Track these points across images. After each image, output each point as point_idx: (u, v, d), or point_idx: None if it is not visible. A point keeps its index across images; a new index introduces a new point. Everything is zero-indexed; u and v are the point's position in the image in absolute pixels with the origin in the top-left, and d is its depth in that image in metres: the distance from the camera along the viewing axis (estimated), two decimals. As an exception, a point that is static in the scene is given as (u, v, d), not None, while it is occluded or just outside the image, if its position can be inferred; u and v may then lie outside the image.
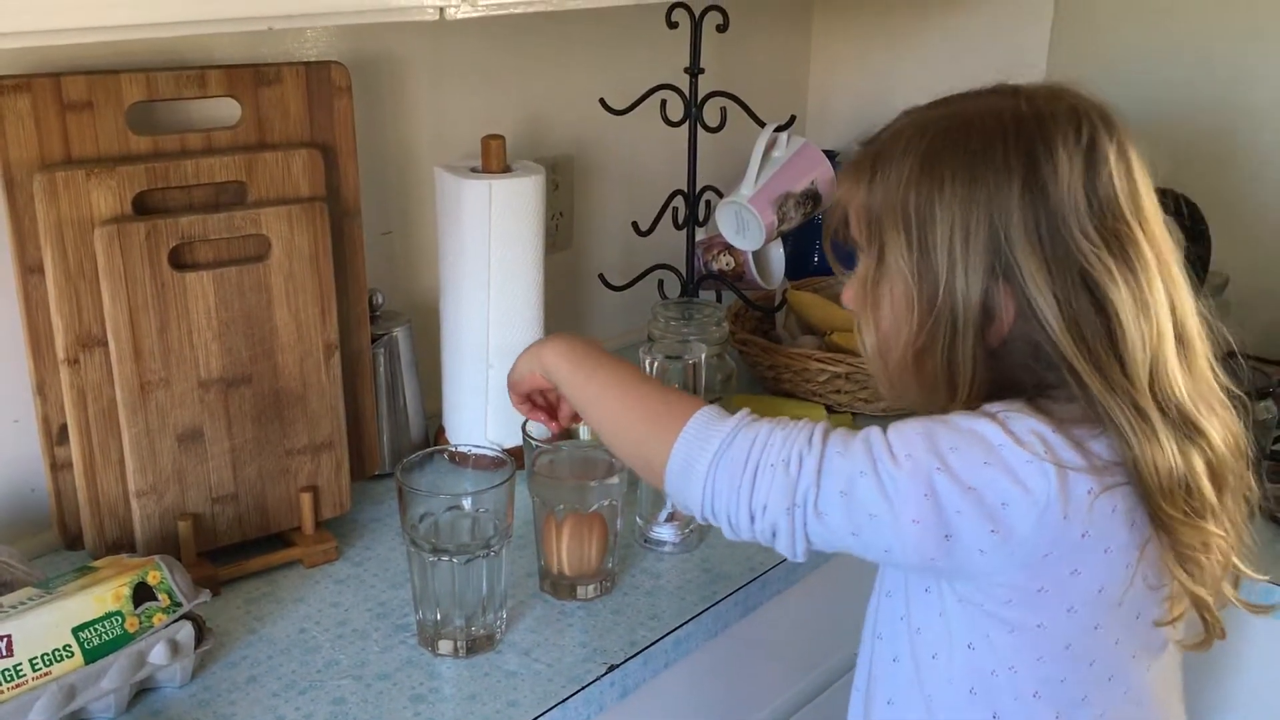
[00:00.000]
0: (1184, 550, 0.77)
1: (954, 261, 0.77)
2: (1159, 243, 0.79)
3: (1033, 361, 0.79)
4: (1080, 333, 0.76)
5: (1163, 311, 0.77)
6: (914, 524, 0.75)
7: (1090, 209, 0.76)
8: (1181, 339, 0.78)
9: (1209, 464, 0.77)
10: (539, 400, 1.01)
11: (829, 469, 0.77)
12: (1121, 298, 0.75)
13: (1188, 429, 0.77)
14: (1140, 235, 0.77)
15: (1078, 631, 0.80)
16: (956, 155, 0.78)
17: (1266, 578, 0.87)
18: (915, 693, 0.86)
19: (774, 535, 0.80)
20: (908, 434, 0.77)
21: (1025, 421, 0.76)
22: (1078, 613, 0.79)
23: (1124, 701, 0.84)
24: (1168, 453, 0.75)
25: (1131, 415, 0.75)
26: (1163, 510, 0.76)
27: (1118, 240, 0.76)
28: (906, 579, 0.85)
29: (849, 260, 0.89)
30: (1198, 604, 0.81)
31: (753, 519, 0.79)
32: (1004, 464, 0.75)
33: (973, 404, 0.80)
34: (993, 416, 0.77)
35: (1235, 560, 0.81)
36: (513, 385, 1.00)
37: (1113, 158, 0.77)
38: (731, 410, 0.85)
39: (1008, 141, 0.77)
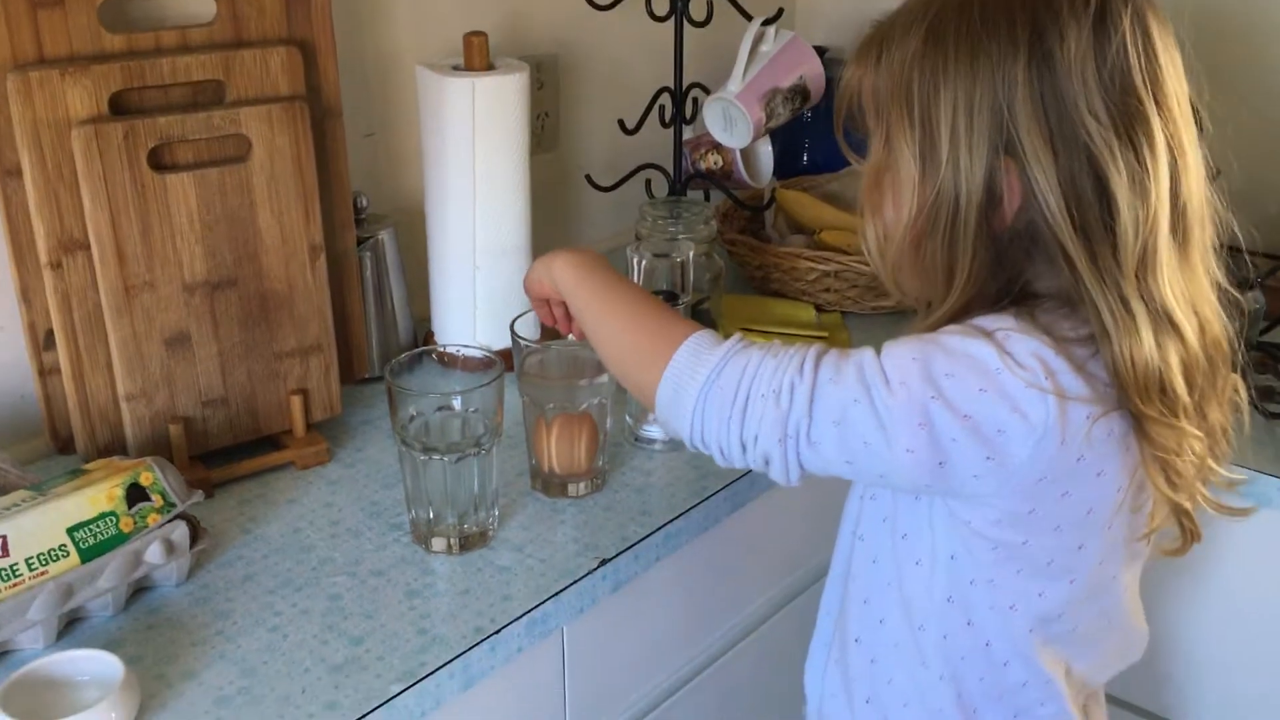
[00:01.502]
0: (1161, 454, 0.76)
1: (957, 139, 0.74)
2: (1176, 123, 0.74)
3: (1032, 248, 0.76)
4: (1079, 215, 0.73)
5: (1163, 197, 0.73)
6: (908, 453, 0.73)
7: (1099, 81, 0.72)
8: (1180, 228, 0.75)
9: (1183, 360, 0.75)
10: (556, 309, 1.00)
11: (821, 398, 0.75)
12: (1120, 179, 0.72)
13: (1166, 322, 0.74)
14: (1153, 112, 0.73)
15: (1061, 550, 0.80)
16: (960, 28, 0.74)
17: (1242, 476, 0.86)
18: (893, 595, 0.86)
19: (767, 464, 0.78)
20: (902, 359, 0.75)
21: (1026, 343, 0.73)
22: (1063, 532, 0.79)
23: (1097, 616, 0.85)
24: (1146, 345, 0.73)
25: (1117, 306, 0.73)
26: (1138, 408, 0.74)
27: (1127, 116, 0.72)
28: None
29: (862, 148, 0.85)
30: (1177, 512, 0.80)
31: (744, 449, 0.78)
32: (1001, 390, 0.72)
33: (969, 295, 0.78)
34: (989, 336, 0.74)
35: (1210, 463, 0.80)
36: (525, 287, 1.00)
37: (1126, 25, 0.73)
38: (724, 331, 0.83)
39: (1013, 11, 0.73)
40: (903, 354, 0.75)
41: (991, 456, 0.73)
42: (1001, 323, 0.76)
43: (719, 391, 0.78)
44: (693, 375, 0.79)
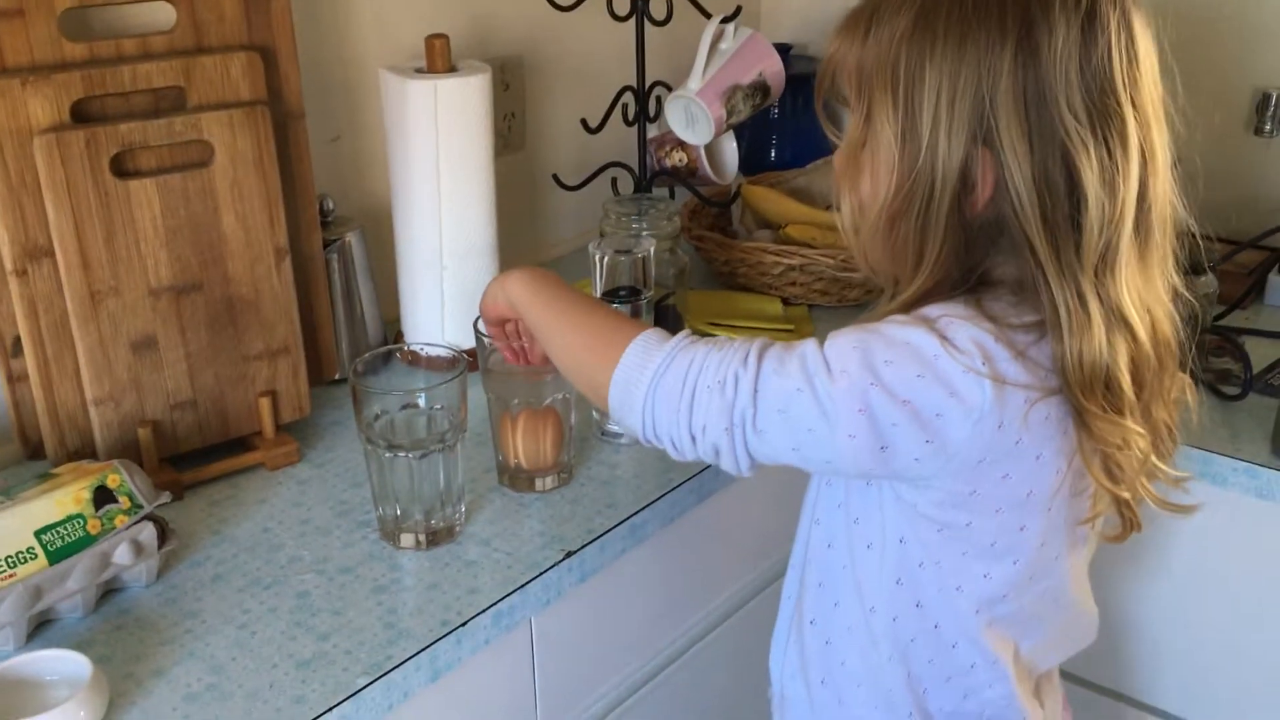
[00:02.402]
0: (1104, 448, 0.77)
1: (938, 124, 0.75)
2: (1149, 126, 0.76)
3: (998, 237, 0.77)
4: (1049, 208, 0.74)
5: (1130, 197, 0.75)
6: (850, 439, 0.75)
7: (1082, 80, 0.73)
8: (1142, 229, 0.77)
9: (1132, 358, 0.77)
10: (512, 333, 1.01)
11: (765, 388, 0.77)
12: (1092, 176, 0.73)
13: (1119, 320, 0.76)
14: (1129, 114, 0.74)
15: (1003, 531, 0.81)
16: (951, 13, 0.75)
17: (1188, 475, 0.87)
18: (847, 578, 0.88)
19: (717, 454, 0.80)
20: (843, 348, 0.76)
21: (966, 329, 0.75)
22: (1004, 514, 0.80)
23: (1040, 597, 0.86)
24: (1096, 341, 0.74)
25: (1073, 302, 0.74)
26: (1082, 404, 0.75)
27: (1104, 116, 0.74)
28: None
29: (840, 121, 0.86)
30: (1117, 502, 0.82)
31: (694, 440, 0.79)
32: (938, 375, 0.74)
33: (936, 279, 0.79)
34: (930, 325, 0.76)
35: (1154, 460, 0.81)
36: (482, 311, 1.01)
37: (1113, 26, 0.74)
38: (690, 326, 0.84)
39: (1005, 2, 0.74)
40: (844, 343, 0.77)
41: (931, 440, 0.75)
42: (947, 310, 0.77)
43: (667, 385, 0.80)
44: (641, 371, 0.81)
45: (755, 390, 0.77)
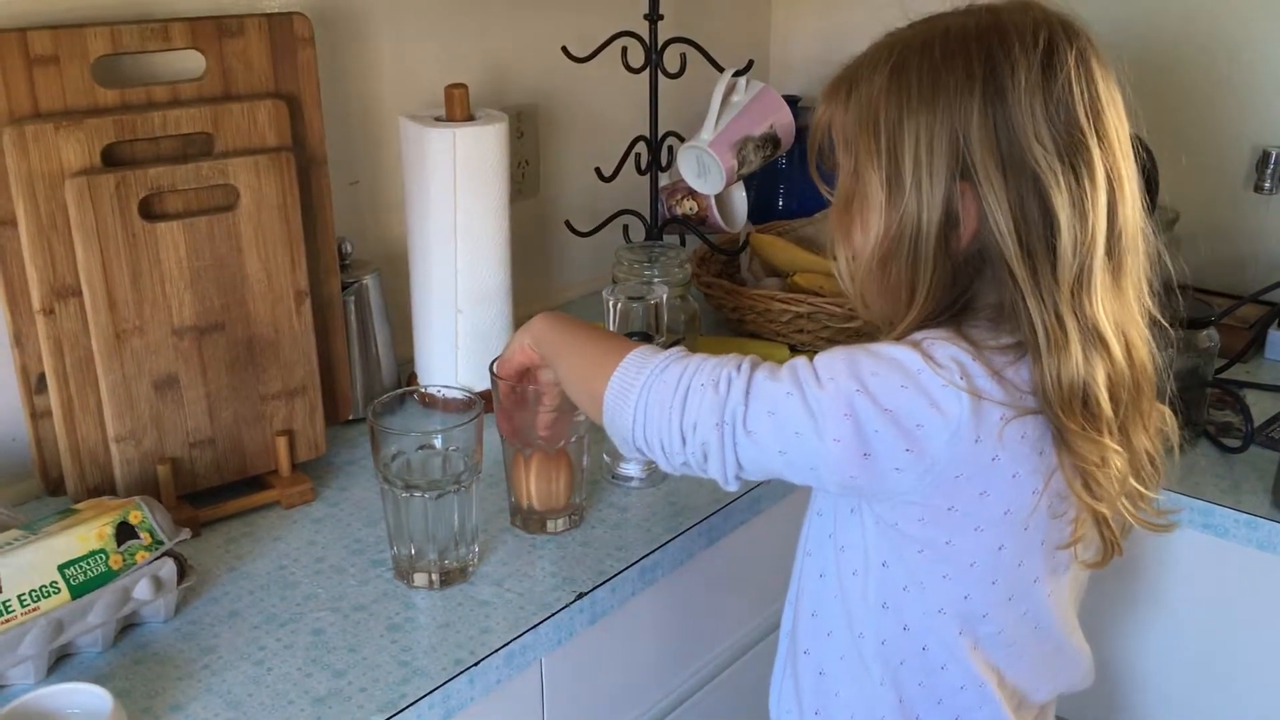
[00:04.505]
0: (1083, 465, 0.81)
1: (919, 167, 0.80)
2: (1115, 156, 0.81)
3: (982, 266, 0.82)
4: (1025, 235, 0.79)
5: (1100, 222, 0.79)
6: (835, 443, 0.79)
7: (1046, 114, 0.78)
8: (1114, 253, 0.81)
9: (1109, 376, 0.81)
10: (524, 381, 1.04)
11: (756, 390, 0.81)
12: (1063, 201, 0.78)
13: (1095, 339, 0.80)
14: (1094, 144, 0.79)
15: (982, 551, 0.84)
16: (922, 66, 0.81)
17: (1160, 495, 0.90)
18: (837, 606, 0.91)
19: (706, 457, 0.83)
20: (832, 360, 0.81)
21: (946, 348, 0.80)
22: (984, 532, 0.83)
23: (1021, 620, 0.88)
24: (1074, 360, 0.79)
25: (1051, 322, 0.79)
26: (1062, 423, 0.79)
27: (1070, 146, 0.78)
28: (835, 501, 0.90)
29: (833, 180, 0.91)
30: (1098, 520, 0.85)
31: (684, 440, 0.83)
32: (920, 388, 0.78)
33: (927, 312, 0.84)
34: (916, 344, 0.81)
35: (1132, 481, 0.84)
36: (503, 361, 1.03)
37: (1070, 64, 0.79)
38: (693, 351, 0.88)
39: (969, 50, 0.80)
40: (833, 357, 0.82)
41: (910, 449, 0.78)
42: (929, 333, 0.82)
43: (661, 385, 0.84)
44: (637, 375, 0.86)
45: (747, 391, 0.81)
